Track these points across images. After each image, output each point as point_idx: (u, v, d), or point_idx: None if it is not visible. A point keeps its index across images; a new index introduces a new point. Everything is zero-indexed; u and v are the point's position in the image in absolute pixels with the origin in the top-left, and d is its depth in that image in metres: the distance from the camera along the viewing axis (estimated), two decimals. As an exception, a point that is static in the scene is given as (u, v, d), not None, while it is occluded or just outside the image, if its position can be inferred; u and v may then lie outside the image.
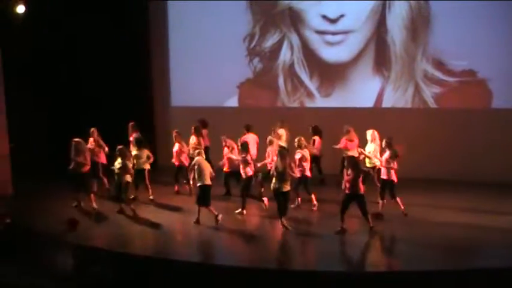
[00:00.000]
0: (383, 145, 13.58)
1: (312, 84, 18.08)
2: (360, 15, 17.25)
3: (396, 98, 17.31)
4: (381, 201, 13.36)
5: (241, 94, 18.82)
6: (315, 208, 14.10)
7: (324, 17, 17.57)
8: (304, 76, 18.10)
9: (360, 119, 16.54)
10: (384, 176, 13.31)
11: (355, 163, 12.38)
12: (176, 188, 15.81)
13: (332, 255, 11.59)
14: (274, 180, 12.69)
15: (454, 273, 10.45)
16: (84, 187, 14.43)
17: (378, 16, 17.15)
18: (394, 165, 13.09)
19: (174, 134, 15.74)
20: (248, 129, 15.88)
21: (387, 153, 13.19)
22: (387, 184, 13.27)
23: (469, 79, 16.54)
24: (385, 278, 10.62)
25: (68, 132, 15.31)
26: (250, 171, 13.86)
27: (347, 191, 12.27)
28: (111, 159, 14.88)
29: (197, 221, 13.19)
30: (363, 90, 17.64)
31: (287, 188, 12.69)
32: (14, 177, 16.07)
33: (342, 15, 17.40)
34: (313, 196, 14.15)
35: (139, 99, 18.77)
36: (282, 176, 12.56)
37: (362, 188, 12.22)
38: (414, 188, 15.46)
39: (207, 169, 13.21)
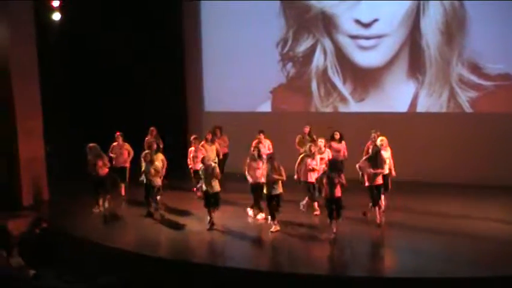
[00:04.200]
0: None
1: (345, 89, 17.98)
2: (394, 19, 17.13)
3: (431, 102, 17.11)
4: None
5: (274, 99, 18.80)
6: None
7: (357, 21, 17.48)
8: (338, 81, 18.02)
9: (394, 124, 16.44)
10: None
11: (335, 166, 12.34)
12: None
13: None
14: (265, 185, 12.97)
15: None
16: (103, 189, 14.79)
17: (411, 20, 17.01)
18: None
19: (192, 138, 15.73)
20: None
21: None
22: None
23: (506, 83, 16.31)
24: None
25: (100, 135, 15.64)
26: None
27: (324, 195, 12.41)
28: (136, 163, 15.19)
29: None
30: (397, 95, 17.49)
31: (279, 190, 12.88)
32: (50, 181, 16.26)
33: (375, 20, 17.29)
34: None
35: (172, 104, 18.91)
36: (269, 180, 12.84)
37: (339, 191, 12.20)
38: (450, 193, 15.49)
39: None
